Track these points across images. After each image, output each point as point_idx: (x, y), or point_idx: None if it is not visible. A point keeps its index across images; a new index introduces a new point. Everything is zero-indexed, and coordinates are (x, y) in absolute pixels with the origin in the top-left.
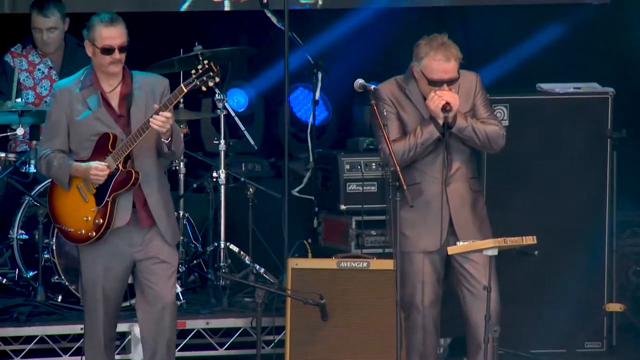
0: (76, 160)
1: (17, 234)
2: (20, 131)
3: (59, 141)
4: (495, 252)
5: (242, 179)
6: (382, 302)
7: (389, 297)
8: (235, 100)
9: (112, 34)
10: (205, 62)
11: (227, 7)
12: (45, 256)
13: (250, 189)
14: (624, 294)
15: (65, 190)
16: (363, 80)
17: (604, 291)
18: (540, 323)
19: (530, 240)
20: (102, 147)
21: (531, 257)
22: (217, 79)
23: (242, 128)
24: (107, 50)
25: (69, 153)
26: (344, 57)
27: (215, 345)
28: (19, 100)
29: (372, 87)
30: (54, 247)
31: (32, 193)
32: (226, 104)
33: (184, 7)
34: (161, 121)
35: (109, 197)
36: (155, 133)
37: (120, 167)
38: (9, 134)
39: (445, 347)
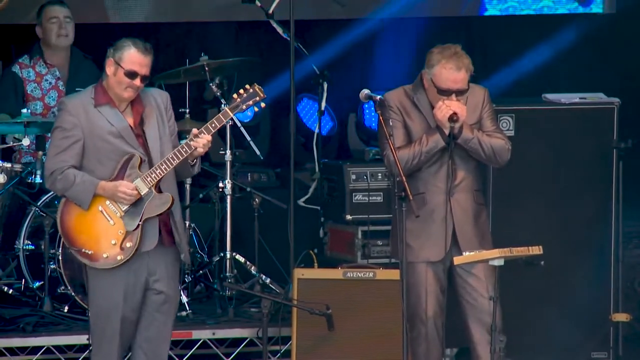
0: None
1: (23, 244)
2: (25, 142)
3: (73, 156)
4: (501, 262)
5: (248, 189)
6: (388, 312)
7: (395, 307)
8: None
9: (142, 62)
10: (248, 86)
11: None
12: (52, 266)
13: (256, 199)
14: (630, 304)
15: (84, 209)
16: (369, 91)
17: (610, 301)
18: (547, 333)
19: (536, 250)
20: (127, 168)
21: (537, 267)
22: (263, 105)
23: (248, 138)
24: (132, 74)
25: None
26: (349, 68)
27: (222, 356)
28: (24, 110)
29: (378, 97)
30: (60, 258)
31: (38, 203)
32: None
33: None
34: (203, 144)
35: (141, 220)
36: None
37: (154, 190)
38: (14, 144)
39: (451, 357)
